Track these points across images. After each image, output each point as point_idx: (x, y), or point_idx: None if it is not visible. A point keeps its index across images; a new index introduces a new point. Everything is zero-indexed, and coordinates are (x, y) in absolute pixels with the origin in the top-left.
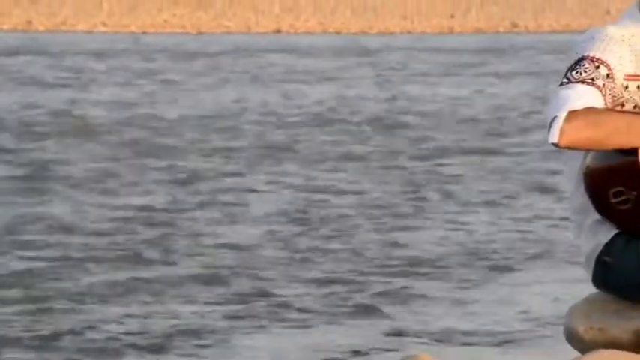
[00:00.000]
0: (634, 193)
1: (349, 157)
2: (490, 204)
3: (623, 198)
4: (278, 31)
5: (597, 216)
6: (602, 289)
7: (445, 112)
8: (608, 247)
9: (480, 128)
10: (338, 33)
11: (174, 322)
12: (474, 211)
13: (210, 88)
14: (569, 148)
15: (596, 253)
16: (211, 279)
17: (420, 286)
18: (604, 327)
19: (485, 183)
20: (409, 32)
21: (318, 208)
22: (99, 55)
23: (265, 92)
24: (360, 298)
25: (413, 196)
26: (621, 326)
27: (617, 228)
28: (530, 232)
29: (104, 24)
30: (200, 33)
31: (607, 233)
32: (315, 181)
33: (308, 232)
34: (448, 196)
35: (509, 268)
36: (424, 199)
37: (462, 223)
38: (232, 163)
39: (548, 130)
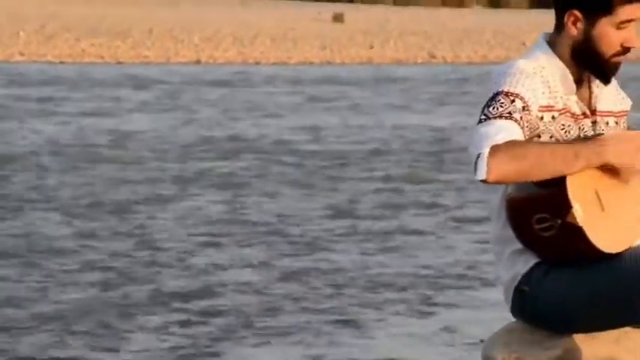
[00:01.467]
0: (559, 220)
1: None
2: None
3: (547, 224)
4: (198, 62)
5: (516, 246)
6: (520, 318)
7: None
8: (526, 277)
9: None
10: (257, 63)
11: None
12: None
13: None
14: (497, 182)
15: (515, 282)
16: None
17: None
18: (521, 356)
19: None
20: (328, 62)
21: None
22: None
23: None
24: (305, 319)
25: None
26: (538, 356)
27: (538, 255)
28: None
29: (21, 53)
30: (119, 62)
31: (526, 263)
32: (277, 202)
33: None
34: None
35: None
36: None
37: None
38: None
39: (474, 168)
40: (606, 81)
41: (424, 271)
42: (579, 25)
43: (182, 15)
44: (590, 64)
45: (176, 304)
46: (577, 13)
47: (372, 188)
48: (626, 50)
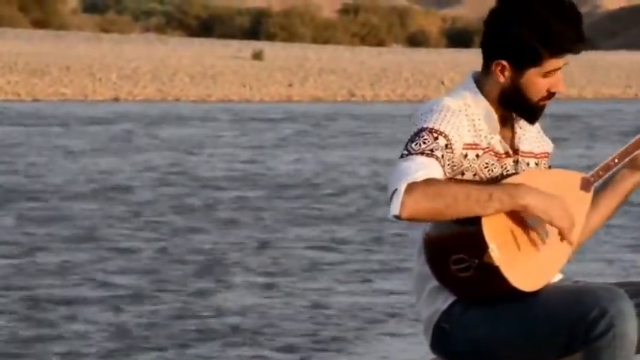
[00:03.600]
0: (476, 260)
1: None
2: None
3: (464, 265)
4: (116, 99)
5: (436, 283)
6: (439, 355)
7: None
8: (446, 314)
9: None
10: (177, 100)
11: None
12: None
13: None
14: (410, 219)
15: (435, 319)
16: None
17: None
18: None
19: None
20: (247, 100)
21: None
22: None
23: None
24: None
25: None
26: None
27: (456, 295)
28: None
29: None
30: (35, 100)
31: (445, 300)
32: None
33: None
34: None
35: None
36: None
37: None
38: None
39: (390, 203)
40: (533, 122)
41: None
42: (507, 73)
43: (100, 52)
44: (517, 107)
45: None
46: (504, 63)
47: None
48: (551, 95)
